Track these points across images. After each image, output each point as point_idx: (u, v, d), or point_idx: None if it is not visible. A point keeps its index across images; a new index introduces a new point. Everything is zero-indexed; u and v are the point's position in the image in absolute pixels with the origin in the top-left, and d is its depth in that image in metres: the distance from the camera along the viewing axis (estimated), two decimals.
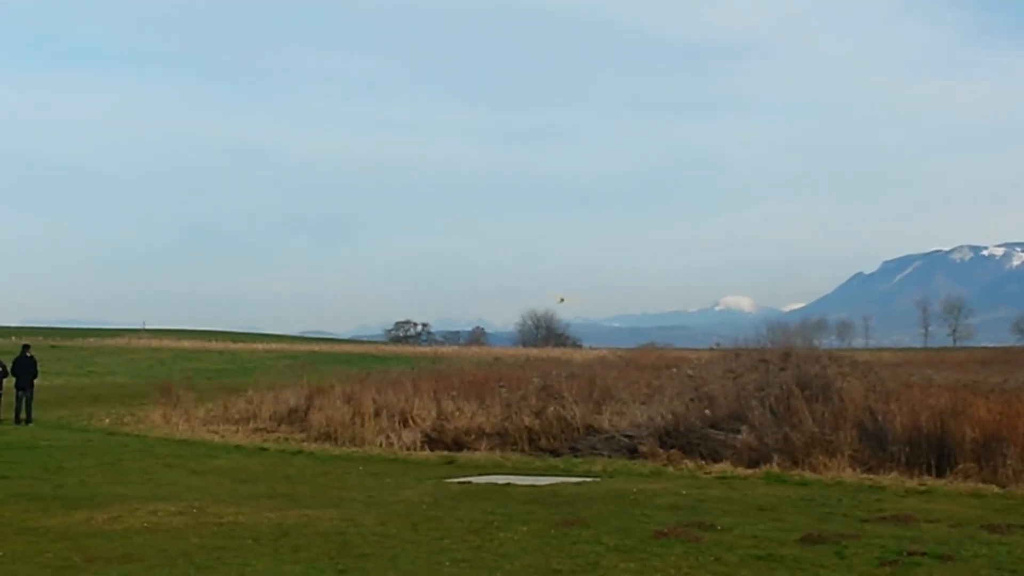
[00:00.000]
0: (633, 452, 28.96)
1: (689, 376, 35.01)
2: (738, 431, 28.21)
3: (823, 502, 20.42)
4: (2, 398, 41.46)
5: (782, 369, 30.96)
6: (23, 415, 41.05)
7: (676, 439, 28.92)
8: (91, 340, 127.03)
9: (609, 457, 28.75)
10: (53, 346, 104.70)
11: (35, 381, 42.76)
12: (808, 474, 24.67)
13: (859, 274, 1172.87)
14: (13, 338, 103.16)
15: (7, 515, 19.26)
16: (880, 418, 27.06)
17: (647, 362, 54.40)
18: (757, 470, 25.46)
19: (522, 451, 30.45)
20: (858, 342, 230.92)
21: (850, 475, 24.39)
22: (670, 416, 30.27)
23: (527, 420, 32.09)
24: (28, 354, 43.24)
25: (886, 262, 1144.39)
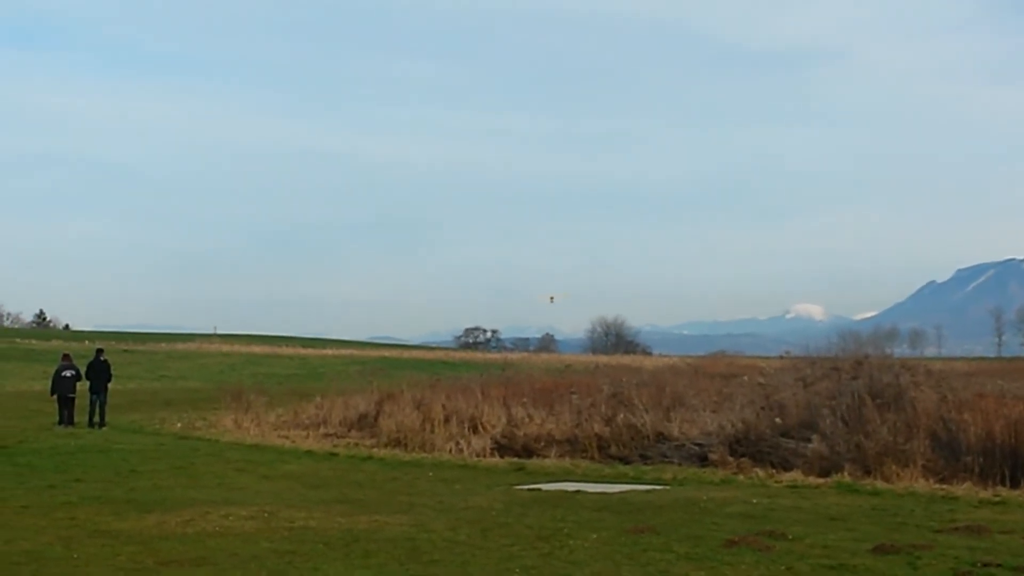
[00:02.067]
0: (703, 460, 28.86)
1: (760, 384, 34.84)
2: (809, 440, 28.05)
3: (895, 512, 20.26)
4: (76, 402, 41.84)
5: (854, 378, 30.75)
6: (96, 419, 41.38)
7: (746, 447, 28.81)
8: (163, 345, 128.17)
9: (679, 465, 28.65)
10: (126, 351, 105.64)
11: (108, 385, 43.13)
12: (880, 484, 24.45)
13: (932, 282, 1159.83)
14: (87, 342, 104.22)
15: (81, 518, 19.48)
16: (953, 428, 26.83)
17: (717, 370, 54.16)
18: (828, 479, 25.28)
19: (592, 458, 30.41)
20: (930, 351, 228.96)
21: (923, 485, 24.16)
22: (740, 424, 30.15)
23: (597, 427, 32.06)
24: (102, 358, 43.57)
25: (959, 270, 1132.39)
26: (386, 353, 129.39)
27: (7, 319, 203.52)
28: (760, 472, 26.64)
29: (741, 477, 26.28)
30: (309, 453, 33.05)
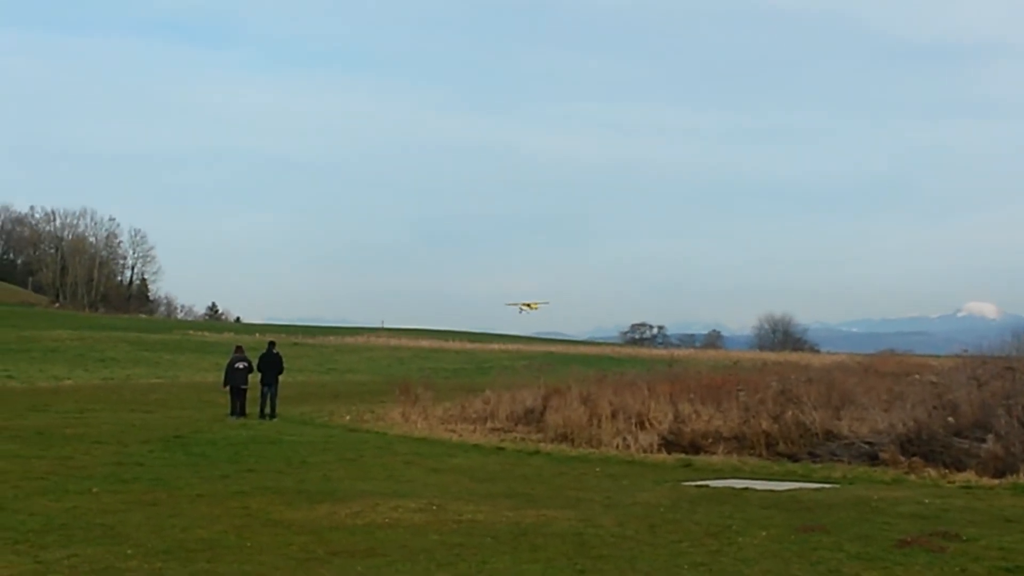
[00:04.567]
0: (873, 459, 28.48)
1: (932, 383, 34.18)
2: (983, 440, 27.49)
3: None
4: (248, 393, 42.60)
5: None
6: (267, 410, 42.13)
7: (918, 447, 28.34)
8: (332, 338, 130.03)
9: (848, 463, 28.31)
10: (296, 343, 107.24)
11: (280, 377, 43.85)
12: None
13: None
14: (257, 335, 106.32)
15: (253, 507, 19.89)
16: None
17: (887, 368, 53.23)
18: (1003, 480, 24.80)
19: (760, 455, 30.21)
20: None
21: None
22: (912, 423, 29.65)
23: (765, 424, 31.80)
24: (274, 351, 44.30)
25: None
26: (552, 348, 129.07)
27: (181, 311, 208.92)
28: (932, 472, 26.22)
29: (912, 477, 25.91)
30: (476, 447, 33.32)
